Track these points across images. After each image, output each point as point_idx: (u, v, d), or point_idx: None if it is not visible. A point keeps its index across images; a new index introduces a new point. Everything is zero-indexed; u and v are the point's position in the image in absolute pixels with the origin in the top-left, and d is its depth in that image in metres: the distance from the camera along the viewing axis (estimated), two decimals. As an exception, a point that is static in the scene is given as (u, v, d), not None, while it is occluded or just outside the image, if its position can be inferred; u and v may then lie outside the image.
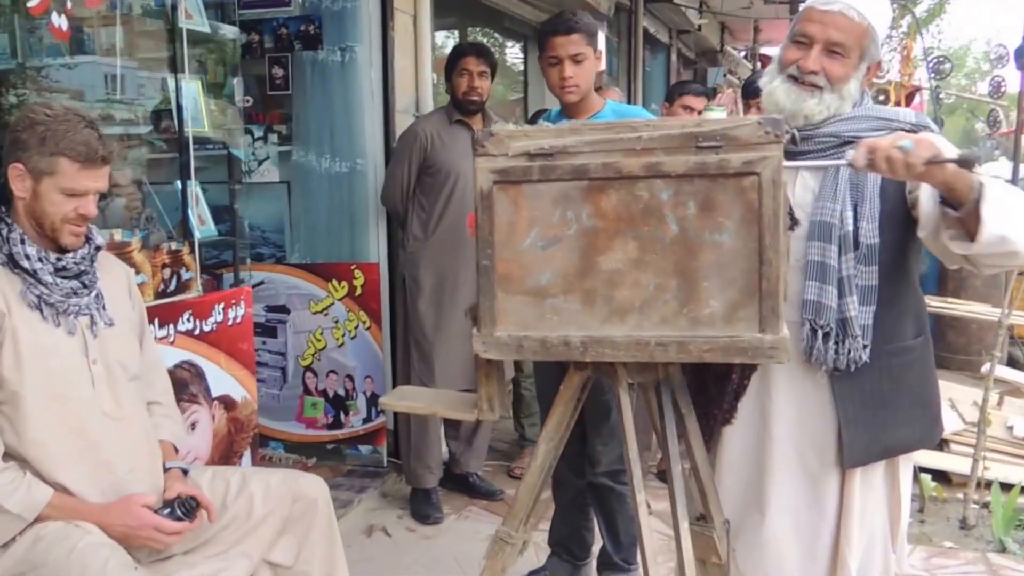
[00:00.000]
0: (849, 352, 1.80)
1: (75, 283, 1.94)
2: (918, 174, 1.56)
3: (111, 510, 1.92)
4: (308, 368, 4.22)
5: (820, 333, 1.80)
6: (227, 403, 3.09)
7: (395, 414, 4.19)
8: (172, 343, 2.81)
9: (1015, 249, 1.59)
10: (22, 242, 1.88)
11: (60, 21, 2.30)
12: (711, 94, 4.46)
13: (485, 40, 7.78)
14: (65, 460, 1.89)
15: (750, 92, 4.34)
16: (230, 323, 3.08)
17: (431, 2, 4.35)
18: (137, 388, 2.10)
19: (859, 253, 1.79)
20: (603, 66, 2.77)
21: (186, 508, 2.00)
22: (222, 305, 3.04)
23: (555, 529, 3.08)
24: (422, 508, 3.83)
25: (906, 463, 1.98)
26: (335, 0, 4.00)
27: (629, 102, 7.23)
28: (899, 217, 1.79)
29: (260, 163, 4.21)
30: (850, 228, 1.79)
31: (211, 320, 2.98)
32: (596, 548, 3.06)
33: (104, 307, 2.01)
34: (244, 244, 3.85)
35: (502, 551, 1.82)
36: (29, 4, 2.23)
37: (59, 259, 1.92)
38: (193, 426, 2.92)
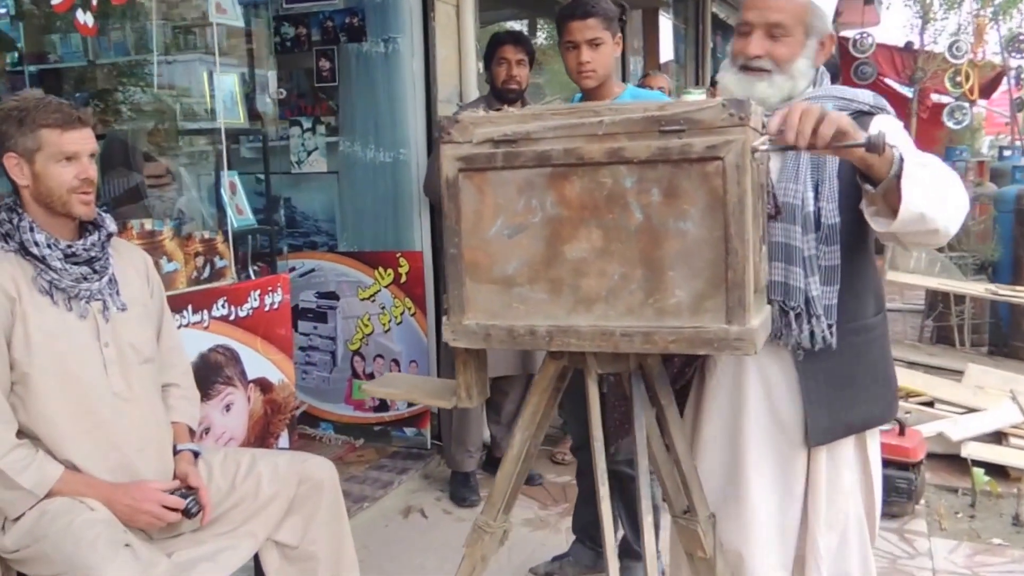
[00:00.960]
0: (813, 333, 1.78)
1: (85, 268, 2.02)
2: (827, 148, 1.52)
3: (118, 488, 2.00)
4: (356, 352, 4.30)
5: (792, 314, 1.77)
6: (263, 386, 3.18)
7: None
8: (206, 328, 2.90)
9: (935, 227, 1.59)
10: (31, 230, 1.97)
11: (86, 18, 2.38)
12: None
13: (538, 27, 7.76)
14: (73, 438, 1.98)
15: None
16: (267, 309, 3.15)
17: (474, -7, 4.35)
18: (150, 371, 2.17)
19: (821, 234, 1.76)
20: (617, 53, 2.69)
21: (186, 499, 2.08)
22: (258, 292, 3.11)
23: (579, 516, 3.07)
24: (460, 491, 3.87)
25: (873, 441, 1.96)
26: (378, -8, 4.05)
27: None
28: (856, 196, 1.74)
29: (309, 154, 4.30)
30: (811, 208, 1.75)
31: (247, 306, 3.06)
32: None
33: (118, 292, 2.08)
34: (280, 233, 3.96)
35: (481, 540, 1.82)
36: (53, 1, 2.31)
37: (69, 246, 2.01)
38: (228, 407, 3.01)
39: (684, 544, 1.85)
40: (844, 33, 12.12)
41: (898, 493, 3.59)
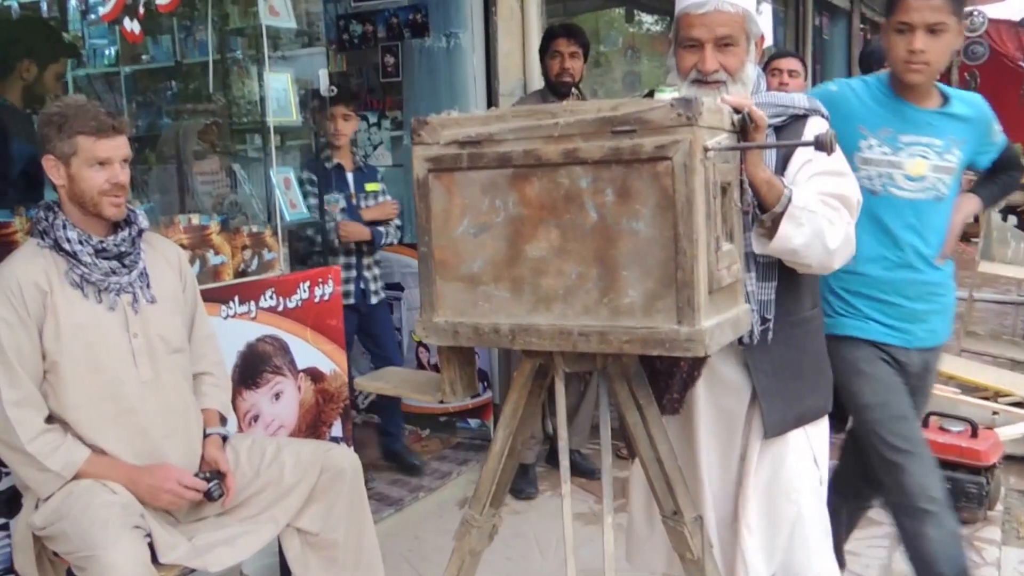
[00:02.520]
0: (759, 333, 1.85)
1: (114, 263, 2.16)
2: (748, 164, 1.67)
3: (141, 470, 2.13)
4: (420, 343, 4.40)
5: None
6: (314, 375, 3.30)
7: (500, 388, 4.29)
8: (253, 318, 3.03)
9: (807, 263, 1.79)
10: (64, 227, 2.12)
11: (132, 25, 2.52)
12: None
13: (622, 20, 7.66)
14: (101, 424, 2.12)
15: (870, 62, 4.02)
16: (317, 300, 3.27)
17: (540, -15, 4.37)
18: (180, 361, 2.30)
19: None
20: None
21: (210, 482, 2.20)
22: (307, 283, 3.23)
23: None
24: (517, 483, 3.90)
25: (817, 431, 2.01)
26: (440, -12, 4.12)
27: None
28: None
29: (375, 148, 4.42)
30: (747, 209, 1.76)
31: (296, 297, 3.19)
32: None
33: (148, 285, 2.22)
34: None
35: (469, 534, 1.86)
36: (102, 11, 2.47)
37: (101, 242, 2.15)
38: (277, 396, 3.15)
39: (674, 545, 1.84)
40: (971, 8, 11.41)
41: (968, 498, 3.43)
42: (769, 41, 8.23)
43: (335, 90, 3.18)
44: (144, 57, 4.33)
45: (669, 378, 1.87)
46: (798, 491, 1.94)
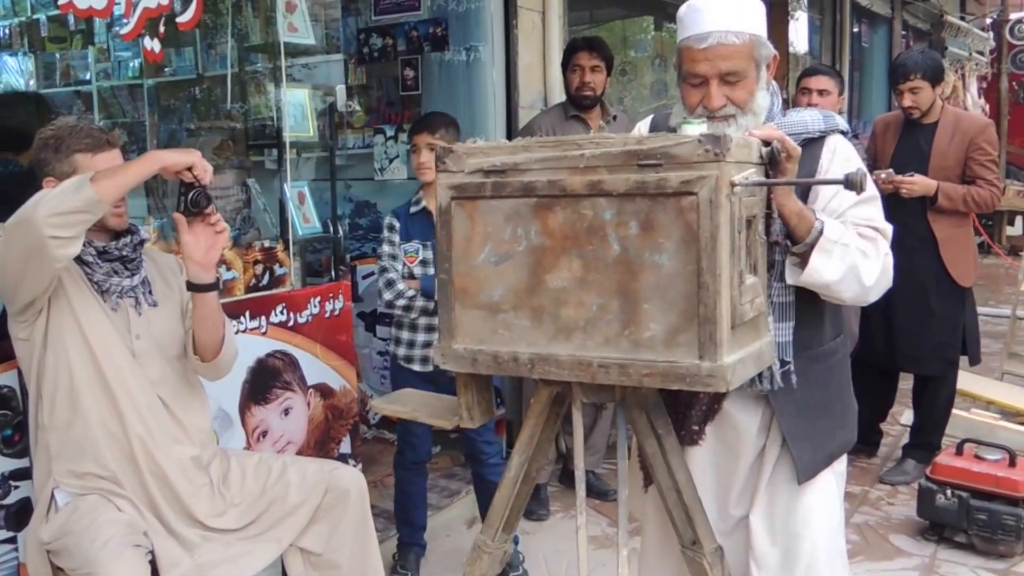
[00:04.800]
0: (761, 375, 1.79)
1: (117, 265, 2.16)
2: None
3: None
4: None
5: None
6: (324, 391, 3.29)
7: (512, 405, 4.27)
8: (264, 334, 3.03)
9: (841, 297, 1.77)
10: None
11: (152, 44, 2.52)
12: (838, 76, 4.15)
13: (650, 27, 7.59)
14: (95, 403, 2.10)
15: (896, 76, 3.98)
16: (327, 315, 3.27)
17: (562, -1, 4.37)
18: (183, 366, 2.27)
19: (775, 271, 1.75)
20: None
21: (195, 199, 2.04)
22: (318, 299, 3.23)
23: None
24: (529, 503, 3.86)
25: (842, 469, 1.99)
26: (460, 2, 4.12)
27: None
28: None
29: (391, 161, 4.42)
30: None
31: (306, 313, 3.18)
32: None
33: (151, 292, 2.22)
34: (365, 238, 4.06)
35: (480, 560, 1.85)
36: (121, 31, 2.47)
37: (104, 246, 2.15)
38: (287, 411, 3.14)
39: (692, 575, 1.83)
40: (1016, 15, 11.15)
41: (1005, 531, 3.27)
42: (804, 49, 8.09)
43: (351, 105, 3.17)
44: (167, 70, 4.35)
45: (688, 409, 1.85)
46: (815, 530, 1.91)
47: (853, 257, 1.71)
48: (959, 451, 3.47)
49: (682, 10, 1.79)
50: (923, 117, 3.94)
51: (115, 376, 2.10)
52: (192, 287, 2.15)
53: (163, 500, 2.15)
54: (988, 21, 11.77)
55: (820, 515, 1.92)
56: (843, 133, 1.85)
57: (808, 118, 1.83)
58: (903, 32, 9.46)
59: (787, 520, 1.92)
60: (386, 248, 3.10)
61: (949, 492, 3.36)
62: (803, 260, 1.72)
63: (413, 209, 3.13)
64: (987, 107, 10.27)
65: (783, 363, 1.81)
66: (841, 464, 1.99)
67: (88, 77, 4.55)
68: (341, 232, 3.57)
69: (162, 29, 2.53)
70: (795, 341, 1.82)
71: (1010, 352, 5.29)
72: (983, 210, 3.96)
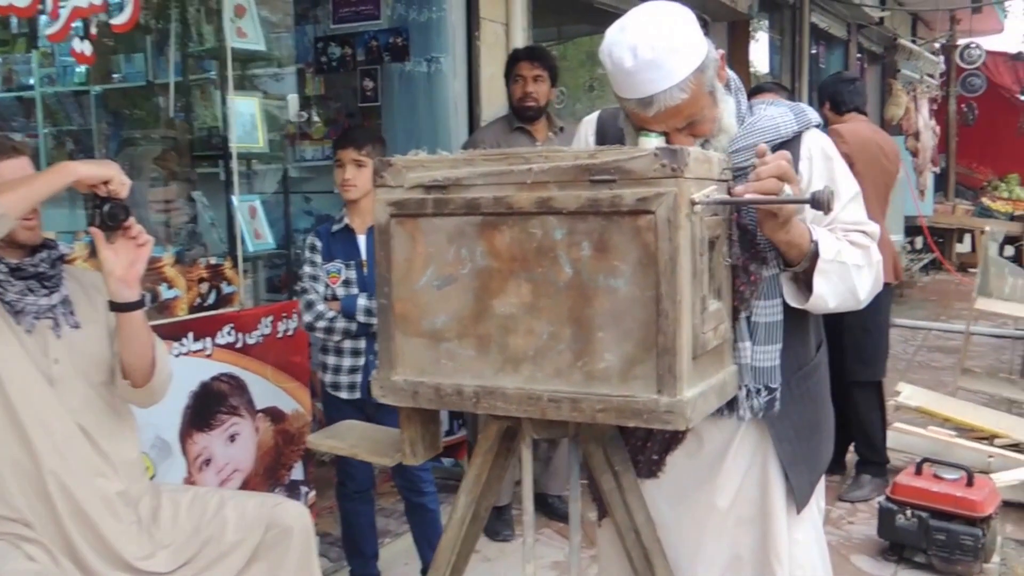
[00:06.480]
0: (753, 407, 1.67)
1: (32, 283, 1.99)
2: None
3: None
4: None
5: (743, 390, 1.63)
6: (274, 415, 3.13)
7: (475, 427, 4.13)
8: (209, 356, 2.86)
9: (840, 310, 1.65)
10: None
11: (83, 47, 2.37)
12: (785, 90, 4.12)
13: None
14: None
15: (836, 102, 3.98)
16: (279, 336, 3.11)
17: (526, 9, 4.25)
18: (103, 392, 2.09)
19: (759, 289, 1.62)
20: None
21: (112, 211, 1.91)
22: (270, 318, 3.07)
23: None
24: (493, 524, 3.73)
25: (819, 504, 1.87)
26: (421, 11, 4.00)
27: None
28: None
29: (350, 174, 4.27)
30: (739, 264, 1.61)
31: (256, 333, 3.02)
32: None
33: (72, 312, 2.05)
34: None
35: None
36: (48, 32, 2.32)
37: (17, 263, 1.98)
38: (233, 438, 2.98)
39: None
40: (963, 41, 11.47)
41: (963, 551, 3.25)
42: (765, 69, 8.16)
43: (304, 115, 3.02)
44: (115, 76, 4.17)
45: (648, 439, 1.72)
46: (809, 569, 1.78)
47: (851, 275, 1.61)
48: (918, 471, 3.46)
49: (607, 64, 1.56)
50: None
51: (24, 405, 1.93)
52: (115, 306, 1.99)
53: (83, 542, 1.98)
54: (937, 45, 12.03)
55: (811, 549, 1.79)
56: (816, 126, 1.72)
57: (779, 118, 1.68)
58: (858, 55, 9.63)
59: (779, 557, 1.76)
60: (307, 269, 2.92)
61: (909, 512, 3.35)
62: (797, 277, 1.62)
63: (335, 228, 2.95)
64: (937, 128, 10.58)
65: (769, 390, 1.66)
66: (822, 500, 1.87)
67: (32, 83, 4.35)
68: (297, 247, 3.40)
69: (94, 31, 2.38)
70: (785, 361, 1.67)
71: (963, 368, 5.32)
72: None
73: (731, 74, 1.67)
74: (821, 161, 1.68)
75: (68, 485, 1.97)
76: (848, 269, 1.60)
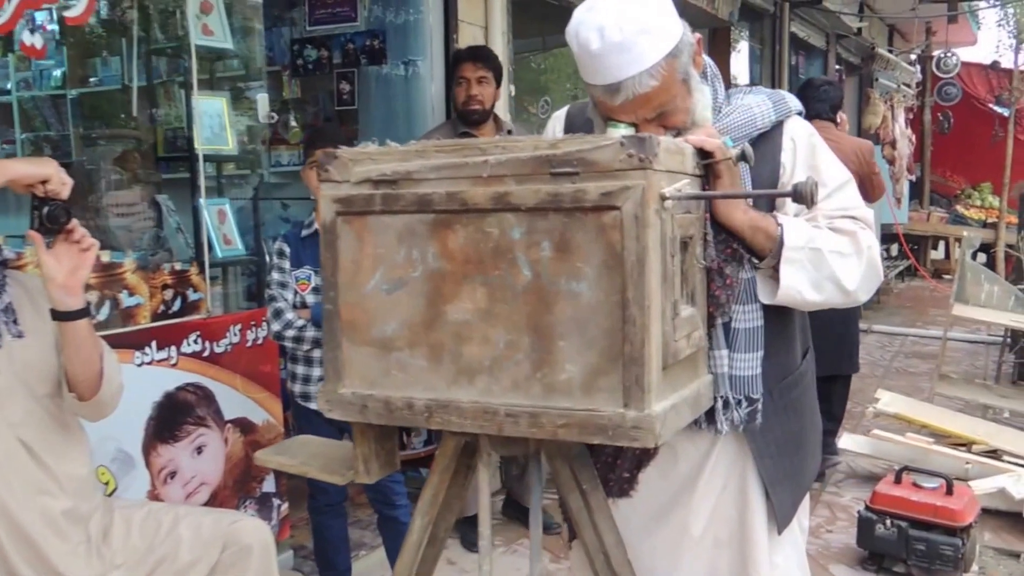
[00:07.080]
0: (743, 417, 1.55)
1: None
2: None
3: None
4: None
5: (720, 401, 1.50)
6: (244, 426, 3.01)
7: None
8: (174, 365, 2.75)
9: (818, 304, 1.52)
10: None
11: (33, 40, 2.26)
12: None
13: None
14: None
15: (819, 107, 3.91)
16: (248, 344, 2.99)
17: (505, 12, 4.15)
18: (49, 405, 1.97)
19: (737, 292, 1.49)
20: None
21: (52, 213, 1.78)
22: (238, 327, 2.96)
23: None
24: (470, 534, 3.61)
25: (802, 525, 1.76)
26: (398, 13, 3.90)
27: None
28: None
29: (327, 179, 4.16)
30: (714, 267, 1.48)
31: (224, 342, 2.91)
32: None
33: (15, 321, 1.92)
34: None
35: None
36: (-4, 22, 2.20)
37: None
38: (199, 450, 2.86)
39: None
40: (938, 53, 11.61)
41: (943, 561, 3.20)
42: (746, 79, 8.17)
43: (275, 117, 2.91)
44: (92, 80, 4.05)
45: (618, 456, 1.60)
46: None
47: (828, 261, 1.48)
48: (898, 479, 3.40)
49: (573, 45, 1.46)
50: None
51: None
52: (57, 315, 1.86)
53: (24, 563, 1.85)
54: (913, 56, 12.05)
55: (792, 574, 1.68)
56: (799, 113, 1.61)
57: (756, 108, 1.55)
58: (837, 65, 9.67)
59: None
60: (275, 275, 2.79)
61: (888, 522, 3.30)
62: (775, 275, 1.49)
63: (304, 232, 2.83)
64: (913, 137, 10.63)
65: (750, 401, 1.54)
66: (805, 518, 1.76)
67: (8, 87, 4.23)
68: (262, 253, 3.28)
69: (49, 27, 2.26)
70: (768, 370, 1.55)
71: (940, 374, 5.30)
72: None
73: (708, 61, 1.55)
74: (805, 149, 1.56)
75: (7, 504, 1.84)
76: (823, 255, 1.47)
